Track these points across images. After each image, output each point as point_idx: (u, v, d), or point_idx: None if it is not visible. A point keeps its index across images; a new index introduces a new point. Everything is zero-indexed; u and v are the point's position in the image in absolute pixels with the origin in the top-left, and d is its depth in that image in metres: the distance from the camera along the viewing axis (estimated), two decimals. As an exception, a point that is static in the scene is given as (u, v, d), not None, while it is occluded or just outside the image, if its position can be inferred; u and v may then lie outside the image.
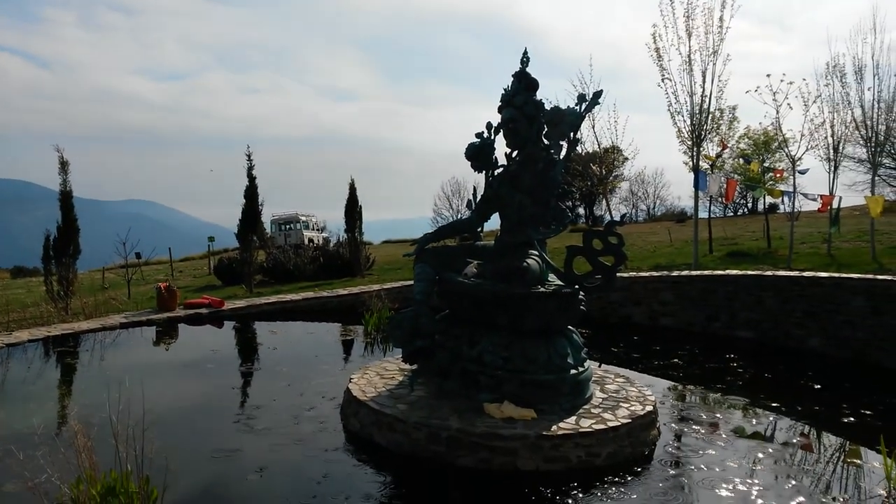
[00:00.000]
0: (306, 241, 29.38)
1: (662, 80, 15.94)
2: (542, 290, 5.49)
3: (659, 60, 15.94)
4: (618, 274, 5.57)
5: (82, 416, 5.11)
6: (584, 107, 5.82)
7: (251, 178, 15.23)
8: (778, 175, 19.14)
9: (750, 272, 10.42)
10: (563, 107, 5.99)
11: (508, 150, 6.14)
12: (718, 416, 6.25)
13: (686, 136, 16.35)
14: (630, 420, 5.11)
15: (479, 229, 6.61)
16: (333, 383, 6.84)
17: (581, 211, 48.77)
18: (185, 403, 6.53)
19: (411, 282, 6.52)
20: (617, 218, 6.36)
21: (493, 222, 6.52)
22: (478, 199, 6.47)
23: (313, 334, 10.45)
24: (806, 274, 9.63)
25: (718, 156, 20.29)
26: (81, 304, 11.79)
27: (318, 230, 36.08)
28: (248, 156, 15.22)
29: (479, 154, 6.30)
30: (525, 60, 5.96)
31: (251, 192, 15.23)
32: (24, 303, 14.84)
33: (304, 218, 35.24)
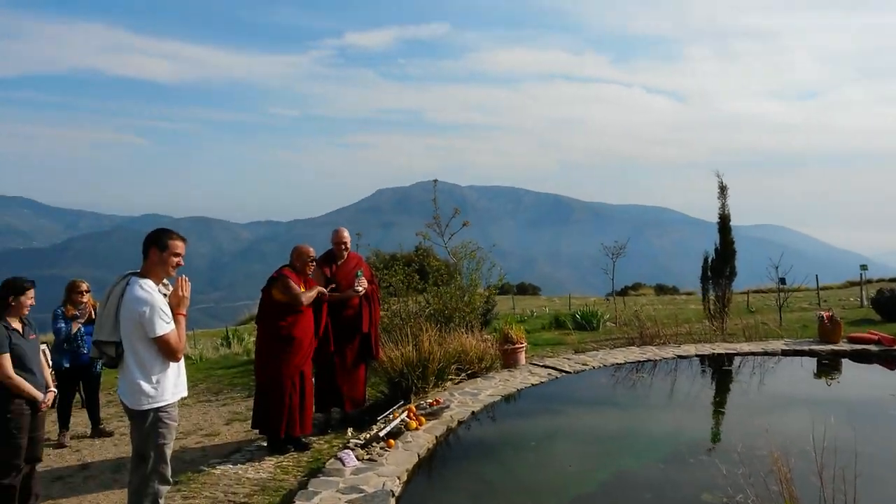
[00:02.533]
0: None
1: None
2: None
3: None
4: None
5: (774, 442, 4.99)
6: None
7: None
8: None
9: None
10: None
11: None
12: None
13: None
14: None
15: None
16: None
17: None
18: (878, 451, 5.77)
19: None
20: None
21: None
22: None
23: None
24: None
25: None
26: (736, 325, 12.10)
27: None
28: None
29: None
30: None
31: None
32: (680, 318, 16.17)
33: None
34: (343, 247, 6.69)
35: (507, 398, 7.36)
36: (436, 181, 12.33)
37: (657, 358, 9.39)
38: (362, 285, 6.62)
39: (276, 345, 5.87)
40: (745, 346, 10.05)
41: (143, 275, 3.97)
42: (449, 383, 7.67)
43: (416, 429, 6.11)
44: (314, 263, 6.19)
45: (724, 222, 13.05)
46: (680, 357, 9.51)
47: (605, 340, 11.68)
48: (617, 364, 9.05)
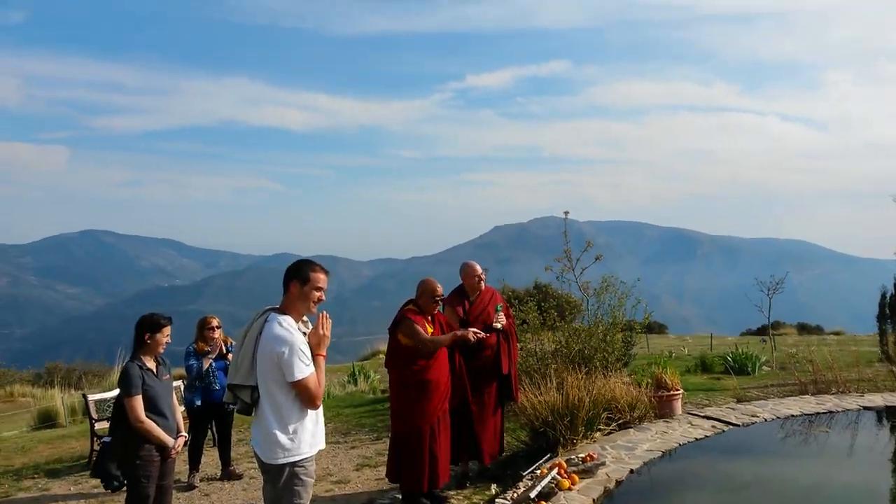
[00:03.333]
0: None
1: None
2: None
3: None
4: None
5: None
6: None
7: None
8: None
9: None
10: None
11: None
12: None
13: None
14: None
15: None
16: None
17: None
18: None
19: None
20: None
21: None
22: None
23: None
24: None
25: None
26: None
27: None
28: None
29: None
30: None
31: None
32: (847, 362, 14.33)
33: None
34: (478, 280, 6.10)
35: (668, 454, 6.42)
36: (567, 213, 11.54)
37: (838, 409, 8.07)
38: (501, 321, 6.00)
39: (410, 391, 5.32)
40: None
41: (282, 311, 3.54)
42: (598, 434, 6.83)
43: (570, 489, 5.33)
44: (439, 303, 5.62)
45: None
46: (865, 408, 8.14)
47: (769, 387, 10.35)
48: (791, 416, 7.83)
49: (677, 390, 8.05)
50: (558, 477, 5.41)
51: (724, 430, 7.21)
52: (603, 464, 5.78)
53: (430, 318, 5.50)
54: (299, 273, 3.56)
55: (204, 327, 6.93)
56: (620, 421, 7.19)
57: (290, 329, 3.42)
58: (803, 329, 43.08)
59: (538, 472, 5.67)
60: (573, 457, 5.86)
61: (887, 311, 11.53)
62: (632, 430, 7.18)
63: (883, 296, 11.55)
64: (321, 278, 3.61)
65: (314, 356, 3.51)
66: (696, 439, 6.89)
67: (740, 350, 13.89)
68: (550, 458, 6.04)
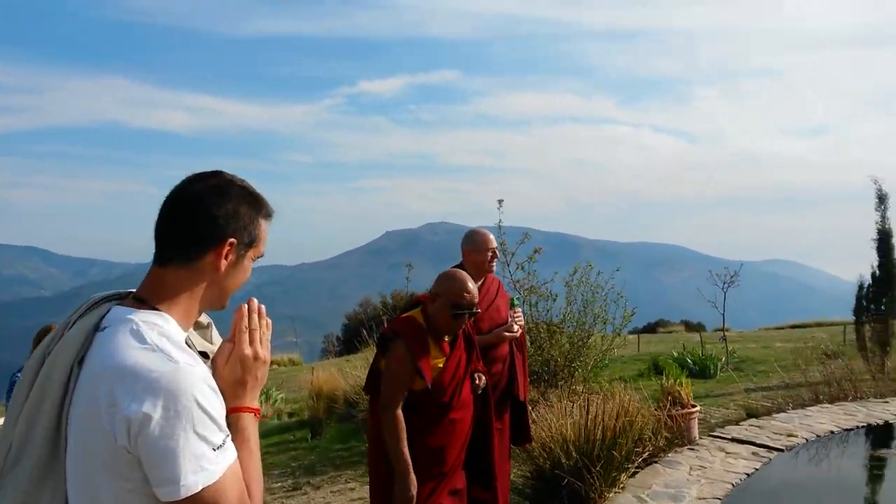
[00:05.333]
0: None
1: None
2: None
3: None
4: None
5: None
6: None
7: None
8: None
9: None
10: None
11: None
12: None
13: None
14: None
15: None
16: None
17: None
18: None
19: None
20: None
21: None
22: None
23: None
24: None
25: None
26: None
27: None
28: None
29: None
30: None
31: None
32: (797, 358, 13.33)
33: None
34: (491, 258, 3.88)
35: (734, 502, 4.52)
36: (501, 201, 9.50)
37: (874, 422, 6.53)
38: (520, 323, 3.90)
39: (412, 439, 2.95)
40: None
41: (148, 304, 1.33)
42: (624, 477, 4.84)
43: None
44: (471, 315, 3.13)
45: (884, 238, 10.31)
46: (903, 419, 6.67)
47: (744, 392, 8.81)
48: (830, 432, 6.20)
49: (693, 406, 6.25)
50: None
51: (770, 460, 5.43)
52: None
53: (453, 339, 3.10)
54: (238, 213, 1.40)
55: (42, 338, 4.36)
56: (645, 454, 5.21)
57: (165, 350, 1.21)
58: (689, 327, 43.69)
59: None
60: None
61: (864, 303, 10.36)
62: (658, 465, 5.25)
63: (860, 287, 10.38)
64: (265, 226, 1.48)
65: (233, 413, 1.29)
66: (748, 475, 5.05)
67: (693, 349, 12.52)
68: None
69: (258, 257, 1.46)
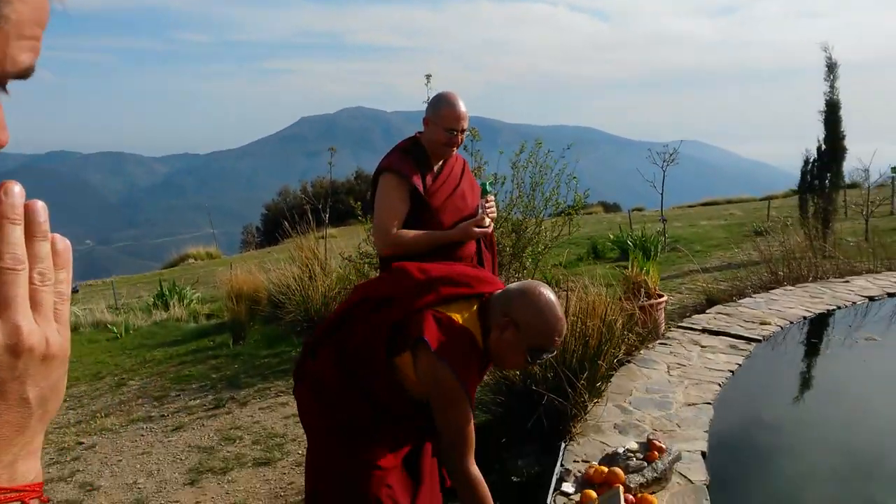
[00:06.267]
0: None
1: None
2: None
3: None
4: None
5: None
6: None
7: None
8: None
9: None
10: None
11: None
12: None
13: None
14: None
15: None
16: None
17: None
18: None
19: None
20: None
21: None
22: None
23: None
24: None
25: None
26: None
27: None
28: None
29: None
30: None
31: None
32: (714, 238, 13.23)
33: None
34: (458, 134, 2.95)
35: (716, 407, 3.99)
36: (428, 76, 8.37)
37: (842, 304, 6.19)
38: (492, 214, 3.05)
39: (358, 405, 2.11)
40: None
41: None
42: (601, 383, 4.21)
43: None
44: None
45: (832, 110, 9.88)
46: (870, 298, 6.37)
47: (690, 273, 8.43)
48: (803, 318, 5.81)
49: (660, 295, 5.69)
50: (631, 510, 2.72)
51: (750, 353, 4.95)
52: (679, 457, 3.16)
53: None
54: None
55: None
56: (620, 355, 4.60)
57: None
58: (607, 208, 44.53)
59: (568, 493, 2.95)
60: (624, 450, 3.15)
61: (808, 179, 10.05)
62: (633, 365, 4.68)
63: (805, 161, 10.03)
64: None
65: None
66: (732, 373, 4.55)
67: (632, 233, 12.14)
68: (564, 458, 3.34)
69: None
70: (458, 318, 1.99)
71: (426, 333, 1.92)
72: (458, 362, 1.93)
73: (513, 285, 2.09)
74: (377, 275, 3.47)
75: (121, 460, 4.52)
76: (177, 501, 3.82)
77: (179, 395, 5.83)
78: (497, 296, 2.08)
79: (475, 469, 1.99)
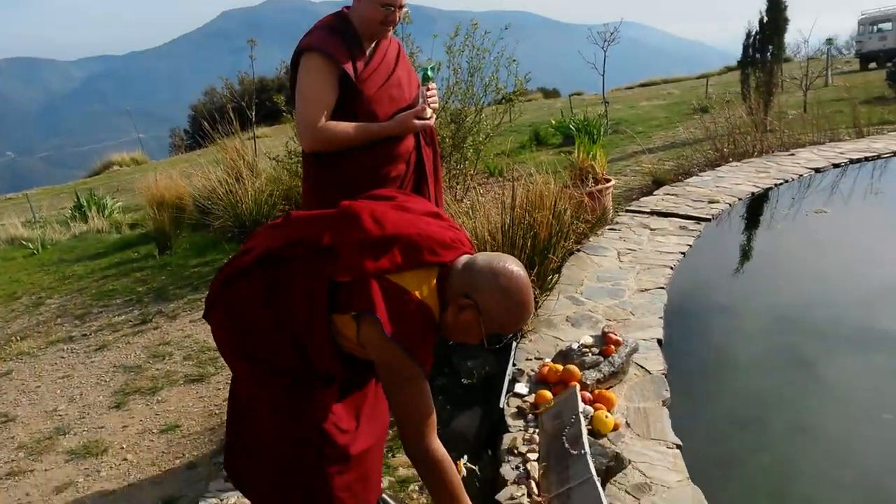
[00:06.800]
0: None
1: None
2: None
3: None
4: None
5: None
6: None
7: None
8: None
9: None
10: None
11: None
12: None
13: None
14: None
15: None
16: None
17: None
18: None
19: None
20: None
21: None
22: None
23: None
24: None
25: None
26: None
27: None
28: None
29: None
30: None
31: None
32: (660, 118, 13.05)
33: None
34: (394, 10, 2.47)
35: (669, 291, 3.84)
36: None
37: (789, 177, 6.10)
38: (433, 105, 2.64)
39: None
40: (877, 145, 6.98)
41: None
42: (552, 276, 4.00)
43: (616, 428, 2.54)
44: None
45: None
46: (816, 170, 6.30)
47: (634, 155, 8.24)
48: (751, 194, 5.69)
49: (608, 180, 5.46)
50: (590, 409, 2.55)
51: (700, 233, 4.82)
52: (636, 349, 2.99)
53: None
54: None
55: None
56: (569, 245, 4.37)
57: None
58: (547, 94, 43.93)
59: (525, 396, 2.76)
60: (578, 346, 2.96)
61: (751, 52, 9.81)
62: (583, 253, 4.49)
63: (748, 34, 9.74)
64: None
65: None
66: (683, 254, 4.40)
67: (573, 116, 11.82)
68: (515, 356, 3.14)
69: None
70: (416, 293, 1.64)
71: (378, 311, 1.57)
72: (416, 344, 1.61)
73: (480, 258, 1.70)
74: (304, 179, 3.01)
75: (39, 386, 4.16)
76: (101, 427, 3.52)
77: (102, 312, 5.42)
78: (460, 269, 1.69)
79: (440, 448, 1.70)
